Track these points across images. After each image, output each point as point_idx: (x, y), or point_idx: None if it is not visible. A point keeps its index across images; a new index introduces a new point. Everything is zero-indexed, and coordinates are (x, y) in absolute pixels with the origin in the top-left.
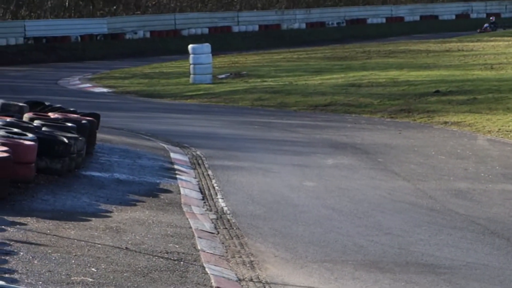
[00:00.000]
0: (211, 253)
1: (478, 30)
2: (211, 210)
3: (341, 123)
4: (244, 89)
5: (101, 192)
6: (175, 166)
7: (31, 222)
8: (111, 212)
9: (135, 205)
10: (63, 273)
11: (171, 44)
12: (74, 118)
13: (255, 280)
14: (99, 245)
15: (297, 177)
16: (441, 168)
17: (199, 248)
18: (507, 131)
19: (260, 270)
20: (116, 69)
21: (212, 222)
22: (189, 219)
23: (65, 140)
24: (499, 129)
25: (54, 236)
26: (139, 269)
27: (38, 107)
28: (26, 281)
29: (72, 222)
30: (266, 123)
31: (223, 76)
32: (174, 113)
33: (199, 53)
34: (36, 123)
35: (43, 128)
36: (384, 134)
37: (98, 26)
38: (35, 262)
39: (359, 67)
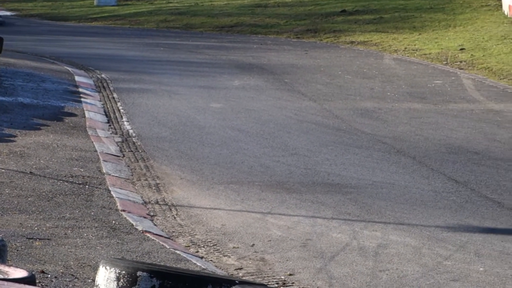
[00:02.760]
0: (116, 176)
1: None
2: (116, 133)
3: (247, 44)
4: (149, 10)
5: (4, 116)
6: (80, 89)
7: None
8: (15, 136)
9: (39, 129)
10: None
11: None
12: None
13: (161, 202)
14: (3, 170)
15: (203, 99)
16: (347, 88)
17: (104, 171)
18: (413, 50)
19: (166, 193)
20: None
21: (118, 145)
22: (94, 143)
23: None
24: (405, 48)
25: None
26: (44, 194)
27: None
28: None
29: None
30: (172, 44)
31: None
32: (79, 36)
33: None
34: None
35: None
36: (291, 54)
37: None
38: None
39: None
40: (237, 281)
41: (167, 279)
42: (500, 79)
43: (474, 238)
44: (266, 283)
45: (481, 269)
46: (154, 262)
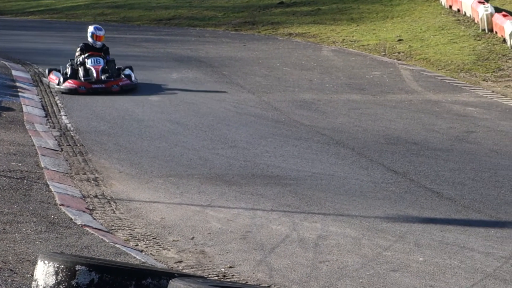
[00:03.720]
0: (55, 170)
1: None
2: (54, 127)
3: (185, 36)
4: (86, 4)
5: None
6: (17, 84)
7: None
8: None
9: None
10: None
11: None
12: None
13: (100, 196)
14: None
15: (142, 92)
16: (286, 80)
17: (42, 165)
18: (351, 41)
19: (105, 187)
20: None
21: (56, 139)
22: (32, 137)
23: None
24: (343, 40)
25: None
26: None
27: None
28: None
29: None
30: (109, 38)
31: None
32: (16, 30)
33: None
34: None
35: None
36: (229, 47)
37: None
38: None
39: None
40: (176, 274)
41: (106, 273)
42: (438, 69)
43: (413, 228)
44: (206, 276)
45: (420, 259)
46: (93, 256)
